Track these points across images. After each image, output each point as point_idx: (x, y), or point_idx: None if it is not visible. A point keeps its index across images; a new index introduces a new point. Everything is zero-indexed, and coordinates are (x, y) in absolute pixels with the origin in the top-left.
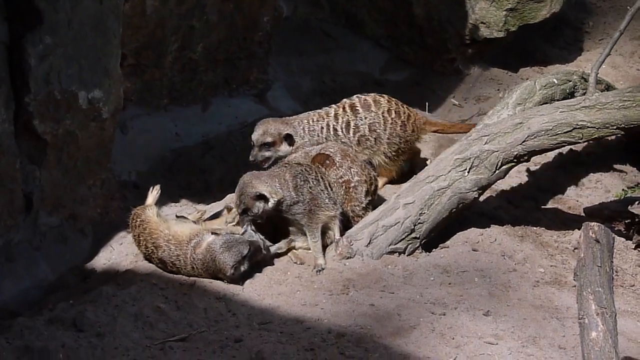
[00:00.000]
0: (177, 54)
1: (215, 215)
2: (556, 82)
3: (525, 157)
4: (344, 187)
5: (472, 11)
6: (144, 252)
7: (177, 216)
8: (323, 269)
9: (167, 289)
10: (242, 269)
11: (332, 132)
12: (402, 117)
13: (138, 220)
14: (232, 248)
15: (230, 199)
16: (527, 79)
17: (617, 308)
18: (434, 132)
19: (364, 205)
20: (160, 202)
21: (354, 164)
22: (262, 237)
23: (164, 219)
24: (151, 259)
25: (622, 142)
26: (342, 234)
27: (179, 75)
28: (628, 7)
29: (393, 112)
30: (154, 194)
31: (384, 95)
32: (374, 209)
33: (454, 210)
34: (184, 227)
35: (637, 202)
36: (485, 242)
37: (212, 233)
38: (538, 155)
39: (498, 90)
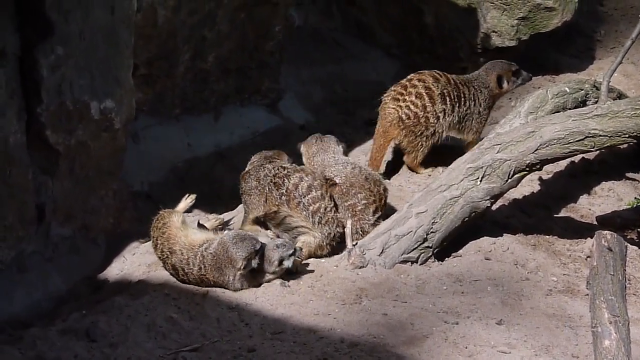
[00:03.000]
0: (189, 64)
1: (224, 226)
2: (568, 90)
3: (538, 166)
4: (350, 209)
5: (483, 20)
6: (159, 256)
7: (198, 224)
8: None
9: (179, 299)
10: (253, 264)
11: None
12: None
13: (161, 222)
14: (245, 240)
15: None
16: (539, 87)
17: (630, 316)
18: None
19: (372, 222)
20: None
21: (362, 189)
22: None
23: (186, 227)
24: (165, 265)
25: (635, 151)
26: (354, 243)
27: (190, 85)
28: None
29: None
30: (187, 201)
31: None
32: (385, 218)
33: (467, 219)
34: (201, 235)
35: None
36: (498, 250)
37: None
38: (550, 164)
39: (510, 99)
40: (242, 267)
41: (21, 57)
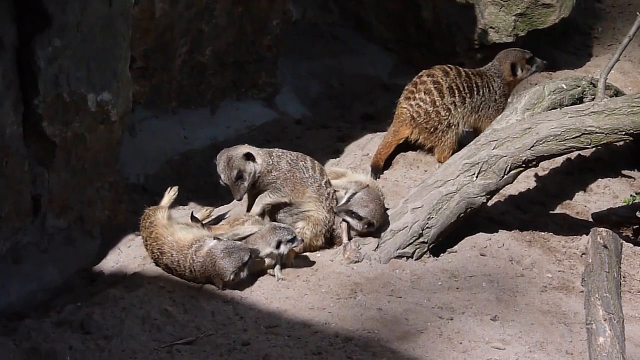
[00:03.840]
0: (186, 57)
1: (220, 219)
2: (565, 87)
3: (534, 162)
4: None
5: (481, 16)
6: (151, 256)
7: (192, 217)
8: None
9: (174, 292)
10: (242, 275)
11: None
12: None
13: (148, 221)
14: (233, 254)
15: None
16: (536, 84)
17: (624, 314)
18: None
19: None
20: (170, 205)
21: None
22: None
23: (172, 223)
24: (158, 264)
25: (631, 148)
26: (349, 239)
27: (187, 78)
28: (637, 13)
29: None
30: (170, 194)
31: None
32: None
33: (462, 215)
34: (187, 233)
35: None
36: (493, 247)
37: (215, 238)
38: (546, 161)
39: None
40: (230, 280)
41: (18, 48)
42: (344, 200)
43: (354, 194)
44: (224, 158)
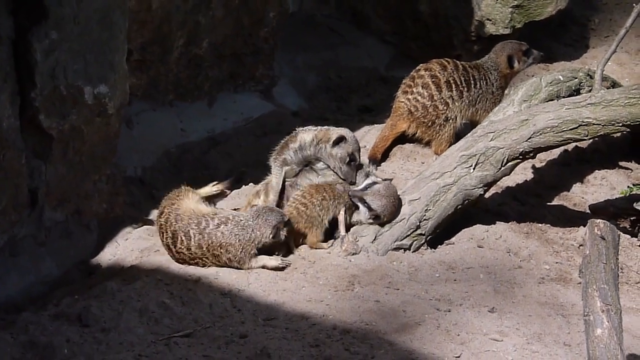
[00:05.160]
0: (183, 49)
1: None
2: (562, 79)
3: (531, 154)
4: None
5: (477, 8)
6: (160, 222)
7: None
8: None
9: (172, 285)
10: (280, 235)
11: None
12: None
13: (176, 194)
14: (273, 211)
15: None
16: (533, 75)
17: (622, 305)
18: None
19: None
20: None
21: None
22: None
23: (198, 205)
24: (163, 234)
25: (628, 139)
26: (347, 231)
27: (184, 70)
28: (634, 5)
29: None
30: (213, 189)
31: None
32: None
33: (460, 206)
34: (206, 208)
35: None
36: (491, 238)
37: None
38: (543, 152)
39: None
40: (270, 236)
41: (15, 41)
42: (361, 186)
43: (374, 183)
44: (355, 138)
